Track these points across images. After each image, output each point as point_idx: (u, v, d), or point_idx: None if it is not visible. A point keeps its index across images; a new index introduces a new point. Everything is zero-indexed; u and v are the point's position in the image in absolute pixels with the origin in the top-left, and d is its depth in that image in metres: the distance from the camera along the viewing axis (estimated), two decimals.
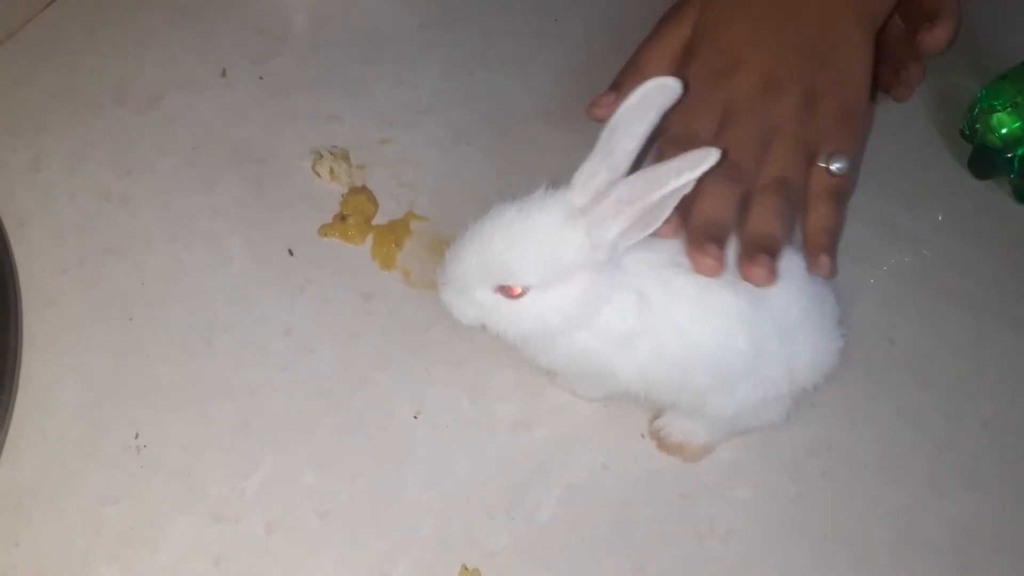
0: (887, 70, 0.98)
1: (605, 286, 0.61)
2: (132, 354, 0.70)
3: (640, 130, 0.60)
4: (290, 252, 0.77)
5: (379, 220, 0.80)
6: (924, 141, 1.01)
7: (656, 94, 0.59)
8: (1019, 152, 0.93)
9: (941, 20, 0.90)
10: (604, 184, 0.59)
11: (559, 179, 0.62)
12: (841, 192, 0.75)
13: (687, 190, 0.57)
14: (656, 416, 0.73)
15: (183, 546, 0.64)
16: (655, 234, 0.61)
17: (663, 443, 0.72)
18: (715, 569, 0.69)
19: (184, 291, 0.74)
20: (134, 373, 0.70)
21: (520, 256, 0.60)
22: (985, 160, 0.97)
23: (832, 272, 0.70)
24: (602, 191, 0.59)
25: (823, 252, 0.70)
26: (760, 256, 0.63)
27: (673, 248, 0.63)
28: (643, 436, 0.74)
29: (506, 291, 0.61)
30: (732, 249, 0.65)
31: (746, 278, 0.63)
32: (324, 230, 0.78)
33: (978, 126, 0.96)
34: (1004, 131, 0.94)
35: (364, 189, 0.80)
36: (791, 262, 0.66)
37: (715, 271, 0.62)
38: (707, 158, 0.56)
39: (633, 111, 0.59)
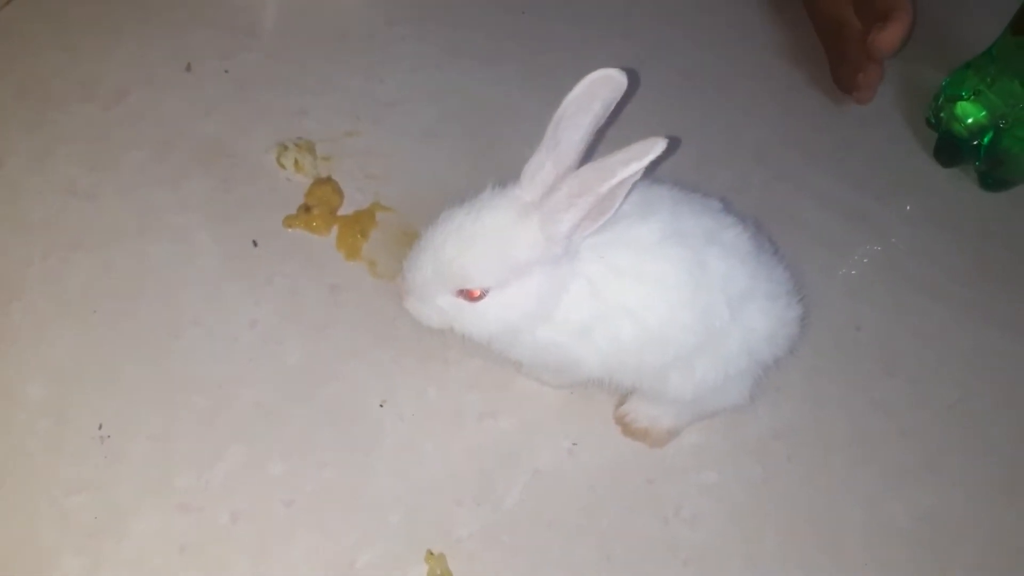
0: (847, 73, 1.01)
1: (561, 278, 0.63)
2: (97, 348, 0.72)
3: (585, 121, 0.61)
4: (254, 243, 0.78)
5: (345, 211, 0.82)
6: (891, 131, 1.03)
7: (600, 86, 0.60)
8: (985, 140, 0.95)
9: (893, 20, 0.92)
10: (552, 177, 0.61)
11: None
12: None
13: (636, 179, 0.59)
14: (621, 402, 0.75)
15: (149, 536, 0.65)
16: None
17: (628, 429, 0.74)
18: (681, 553, 0.71)
19: (150, 285, 0.75)
20: (99, 366, 0.71)
21: (474, 260, 0.62)
22: (951, 149, 0.99)
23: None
24: (551, 184, 0.60)
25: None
26: None
27: (617, 227, 0.63)
28: (609, 422, 0.75)
29: (466, 294, 0.63)
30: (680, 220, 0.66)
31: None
32: (289, 221, 0.79)
33: (943, 115, 0.99)
34: (969, 120, 0.96)
35: (329, 180, 0.81)
36: (733, 232, 0.67)
37: None
38: (653, 148, 0.57)
39: (577, 102, 0.60)
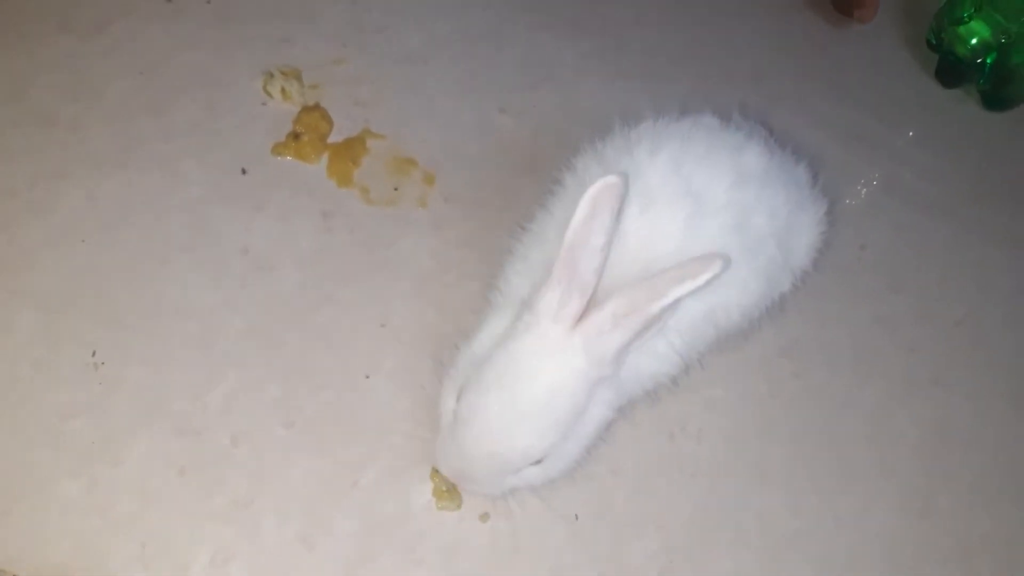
0: None
1: (612, 395, 0.61)
2: (86, 275, 0.71)
3: (600, 242, 0.56)
4: (243, 171, 0.78)
5: (335, 139, 0.82)
6: (891, 53, 1.03)
7: (605, 197, 0.56)
8: (988, 60, 0.95)
9: None
10: (580, 307, 0.57)
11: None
12: None
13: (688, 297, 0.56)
14: None
15: (147, 459, 0.65)
16: None
17: None
18: (688, 467, 0.72)
19: (138, 214, 0.75)
20: (90, 294, 0.71)
21: (531, 441, 0.58)
22: (953, 69, 0.99)
23: None
24: (581, 311, 0.57)
25: None
26: None
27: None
28: None
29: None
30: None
31: None
32: (278, 149, 0.79)
33: (944, 36, 0.98)
34: (973, 40, 0.96)
35: (317, 107, 0.81)
36: (752, 157, 0.67)
37: None
38: (710, 267, 0.55)
39: (586, 225, 0.56)
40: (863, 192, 0.90)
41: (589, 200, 0.55)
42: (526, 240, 0.66)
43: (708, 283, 0.54)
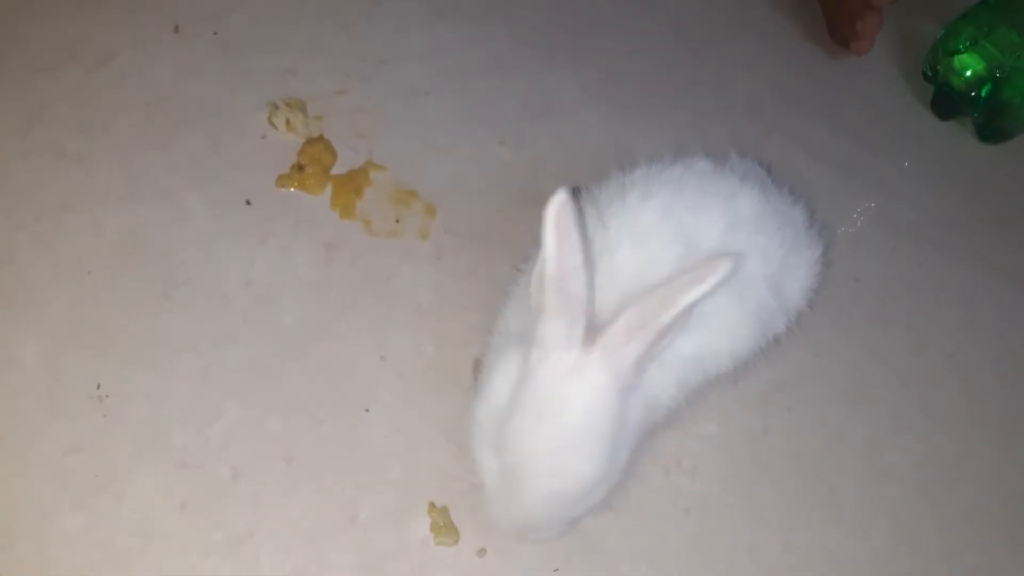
0: (844, 23, 1.01)
1: (641, 401, 0.61)
2: (91, 308, 0.73)
3: (578, 261, 0.56)
4: (247, 203, 0.79)
5: (338, 170, 0.83)
6: (887, 85, 1.04)
7: (562, 216, 0.56)
8: (983, 93, 0.96)
9: None
10: (582, 329, 0.57)
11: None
12: None
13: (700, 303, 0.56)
14: None
15: (149, 493, 0.66)
16: None
17: None
18: (682, 503, 0.73)
19: (142, 246, 0.76)
20: (93, 327, 0.72)
21: (587, 468, 0.57)
22: (948, 101, 1.00)
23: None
24: (585, 333, 0.57)
25: None
26: None
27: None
28: None
29: None
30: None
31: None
32: (282, 181, 0.80)
33: (939, 68, 1.00)
34: (968, 73, 0.97)
35: (321, 139, 0.82)
36: (747, 202, 0.68)
37: None
38: (718, 269, 0.55)
39: (560, 250, 0.56)
40: (858, 223, 0.92)
41: (552, 226, 0.55)
42: (523, 281, 0.67)
43: (718, 285, 0.54)
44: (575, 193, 0.57)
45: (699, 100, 0.95)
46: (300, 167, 0.81)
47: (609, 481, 0.59)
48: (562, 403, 0.56)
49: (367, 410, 0.72)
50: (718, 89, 0.98)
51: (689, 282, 0.55)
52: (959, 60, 0.97)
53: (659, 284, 0.56)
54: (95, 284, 0.74)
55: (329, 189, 0.81)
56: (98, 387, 0.69)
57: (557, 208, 0.55)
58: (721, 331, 0.64)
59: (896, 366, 0.83)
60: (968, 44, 0.96)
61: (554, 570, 0.68)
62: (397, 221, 0.80)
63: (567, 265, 0.55)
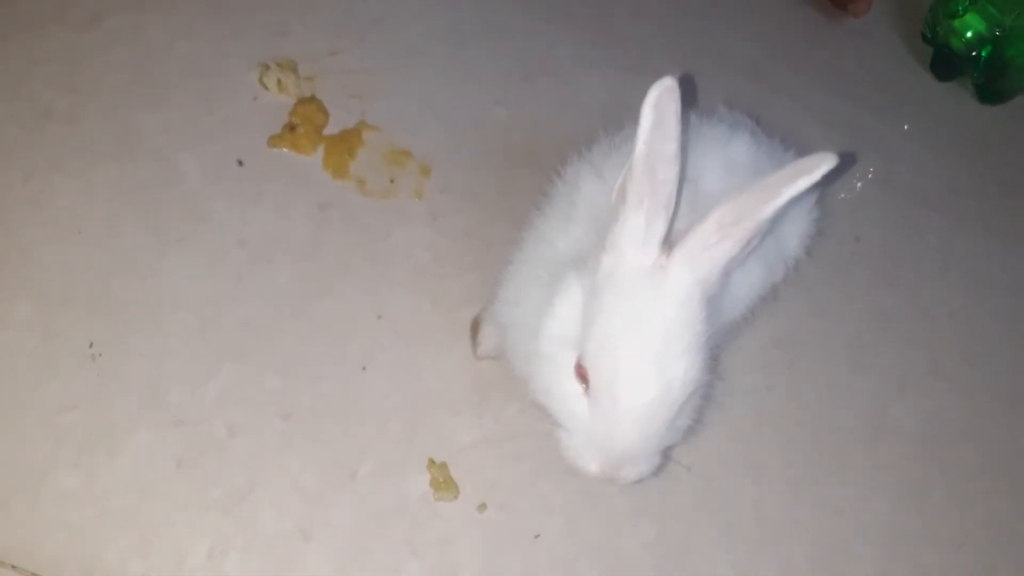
0: None
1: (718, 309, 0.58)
2: (84, 268, 0.72)
3: (672, 150, 0.52)
4: (240, 163, 0.78)
5: (331, 131, 0.82)
6: (886, 47, 1.04)
7: (665, 101, 0.52)
8: (984, 53, 0.96)
9: None
10: (664, 228, 0.54)
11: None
12: None
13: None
14: None
15: (145, 451, 0.65)
16: None
17: None
18: (683, 459, 0.72)
19: (135, 206, 0.75)
20: (86, 286, 0.71)
21: (685, 368, 0.54)
22: (947, 62, 1.00)
23: None
24: (664, 234, 0.54)
25: None
26: None
27: None
28: None
29: None
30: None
31: None
32: (274, 141, 0.80)
33: (939, 29, 0.99)
34: (969, 34, 0.96)
35: (313, 99, 0.81)
36: (740, 148, 0.67)
37: None
38: (823, 163, 0.52)
39: (655, 133, 0.52)
40: (858, 185, 0.91)
41: (651, 107, 0.52)
42: (552, 204, 0.65)
43: (822, 178, 0.52)
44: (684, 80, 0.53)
45: (698, 61, 0.95)
46: (292, 127, 0.80)
47: (700, 393, 0.57)
48: (652, 302, 0.53)
49: (364, 368, 0.71)
50: (717, 52, 0.97)
51: (793, 174, 0.52)
52: (959, 21, 0.97)
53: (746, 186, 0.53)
54: (87, 244, 0.73)
55: (322, 149, 0.80)
56: (91, 346, 0.68)
57: (660, 91, 0.52)
58: (737, 276, 0.62)
59: (900, 325, 0.83)
60: (968, 4, 0.95)
61: (571, 508, 0.69)
62: (392, 181, 0.80)
63: (659, 152, 0.52)
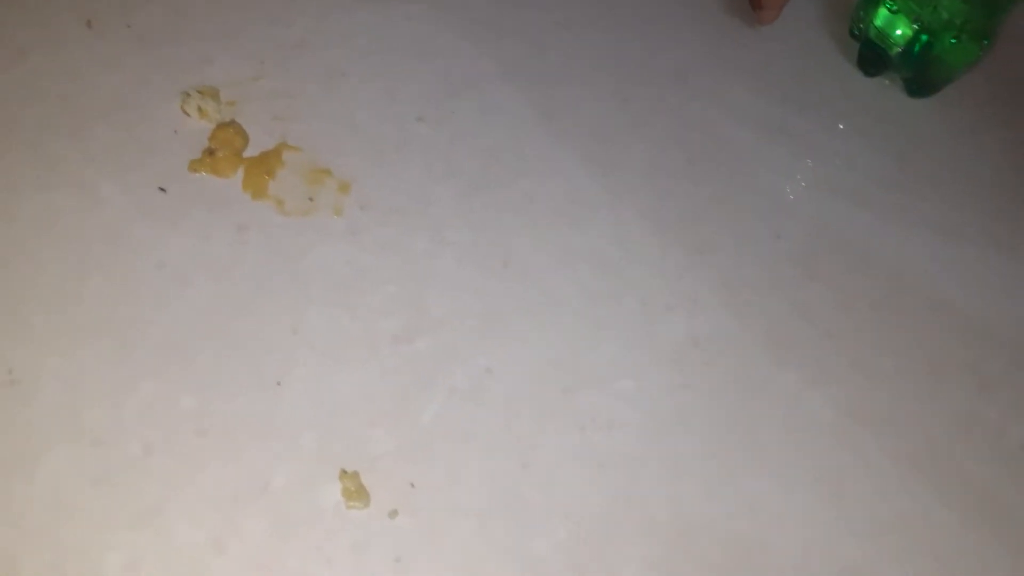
0: None
1: None
2: (3, 295, 0.75)
3: None
4: (162, 189, 0.82)
5: (251, 153, 0.85)
6: (813, 45, 1.07)
7: None
8: (916, 49, 0.99)
9: None
10: None
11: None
12: None
13: None
14: None
15: (61, 471, 0.69)
16: None
17: None
18: (598, 458, 0.75)
19: (56, 234, 0.79)
20: (5, 313, 0.74)
21: None
22: (873, 57, 1.03)
23: None
24: None
25: None
26: None
27: None
28: (526, 342, 0.80)
29: None
30: None
31: None
32: (194, 165, 0.83)
33: (862, 25, 1.02)
34: (898, 32, 0.99)
35: (232, 123, 0.85)
36: None
37: None
38: None
39: None
40: (781, 182, 0.94)
41: None
42: None
43: None
44: None
45: (624, 70, 0.98)
46: (211, 151, 0.84)
47: None
48: None
49: (279, 383, 0.75)
50: (644, 58, 1.00)
51: None
52: (883, 17, 1.00)
53: None
54: (6, 273, 0.76)
55: (242, 171, 0.84)
56: (10, 372, 0.72)
57: None
58: None
59: (821, 319, 0.85)
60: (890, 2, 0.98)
61: (482, 511, 0.71)
62: (311, 200, 0.83)
63: None
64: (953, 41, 0.97)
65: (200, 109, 0.86)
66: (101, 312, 0.76)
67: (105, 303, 0.77)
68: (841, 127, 0.99)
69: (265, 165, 0.84)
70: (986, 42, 0.98)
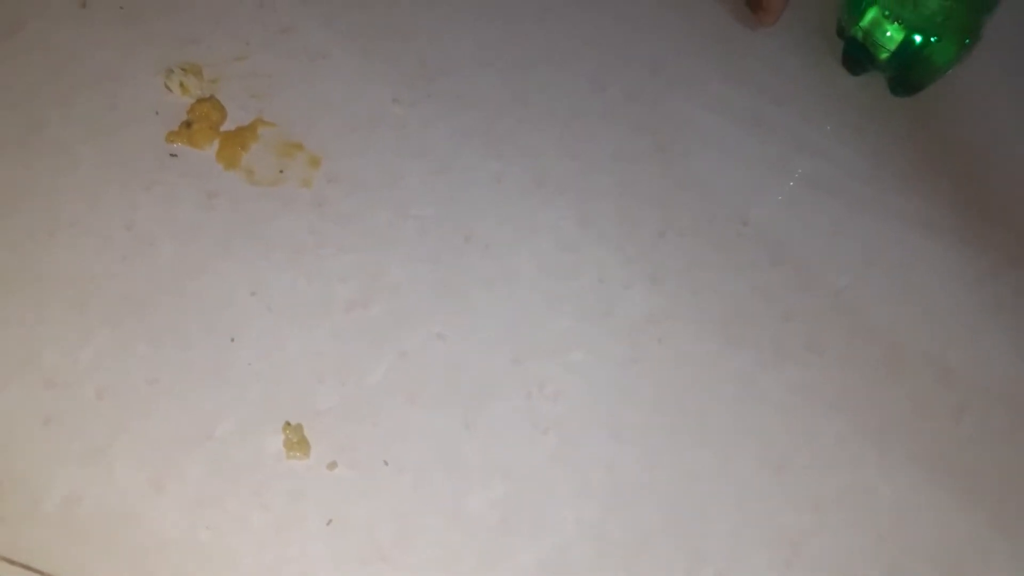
0: None
1: None
2: None
3: None
4: (136, 156, 0.86)
5: (228, 127, 0.89)
6: (798, 40, 1.08)
7: None
8: (910, 50, 1.00)
9: None
10: None
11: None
12: None
13: None
14: None
15: (14, 409, 0.72)
16: None
17: None
18: (541, 424, 0.77)
19: (31, 191, 0.83)
20: None
21: None
22: (858, 56, 1.04)
23: None
24: None
25: None
26: None
27: None
28: (479, 312, 0.82)
29: None
30: None
31: None
32: (171, 137, 0.88)
33: (847, 24, 1.04)
34: (888, 34, 1.01)
35: (211, 98, 0.89)
36: None
37: None
38: None
39: None
40: (750, 169, 0.95)
41: None
42: None
43: None
44: None
45: (602, 56, 1.00)
46: (188, 124, 0.88)
47: None
48: None
49: (232, 339, 0.78)
50: (625, 47, 1.02)
51: None
52: (868, 17, 1.01)
53: None
54: None
55: (217, 144, 0.88)
56: None
57: None
58: None
59: (780, 302, 0.86)
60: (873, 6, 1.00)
61: (420, 466, 0.74)
62: (281, 171, 0.87)
63: None
64: (935, 40, 0.98)
65: (182, 85, 0.90)
66: (66, 264, 0.80)
67: (71, 256, 0.80)
68: (818, 121, 1.00)
69: (240, 139, 0.87)
70: (968, 41, 0.98)
